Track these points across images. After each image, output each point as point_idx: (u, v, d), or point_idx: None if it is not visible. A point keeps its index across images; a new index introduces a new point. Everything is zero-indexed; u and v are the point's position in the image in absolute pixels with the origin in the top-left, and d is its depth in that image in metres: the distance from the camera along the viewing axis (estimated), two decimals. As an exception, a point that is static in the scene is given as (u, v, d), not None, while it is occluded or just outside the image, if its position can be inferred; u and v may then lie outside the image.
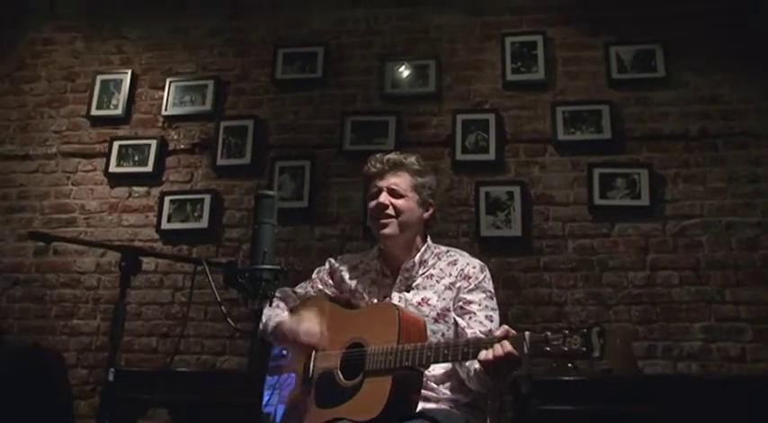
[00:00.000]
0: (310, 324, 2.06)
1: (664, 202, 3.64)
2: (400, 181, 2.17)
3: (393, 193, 2.16)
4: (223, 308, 1.69)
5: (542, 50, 3.98)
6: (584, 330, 1.57)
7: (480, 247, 3.71)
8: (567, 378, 2.60)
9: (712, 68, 3.81)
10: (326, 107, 4.15)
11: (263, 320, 2.19)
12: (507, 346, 1.70)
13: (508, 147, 3.89)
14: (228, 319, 1.67)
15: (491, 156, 3.85)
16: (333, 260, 2.37)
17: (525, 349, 1.66)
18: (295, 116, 4.17)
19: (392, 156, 2.22)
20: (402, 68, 4.12)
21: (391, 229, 2.14)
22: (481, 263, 2.19)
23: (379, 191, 2.17)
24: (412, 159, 2.22)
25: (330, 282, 2.31)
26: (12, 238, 4.16)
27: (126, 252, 1.90)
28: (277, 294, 2.34)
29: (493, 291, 2.15)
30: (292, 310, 2.26)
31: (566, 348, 1.57)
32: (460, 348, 1.78)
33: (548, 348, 1.61)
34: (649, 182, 3.63)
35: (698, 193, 3.63)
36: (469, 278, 2.11)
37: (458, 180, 3.88)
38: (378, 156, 2.24)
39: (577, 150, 3.79)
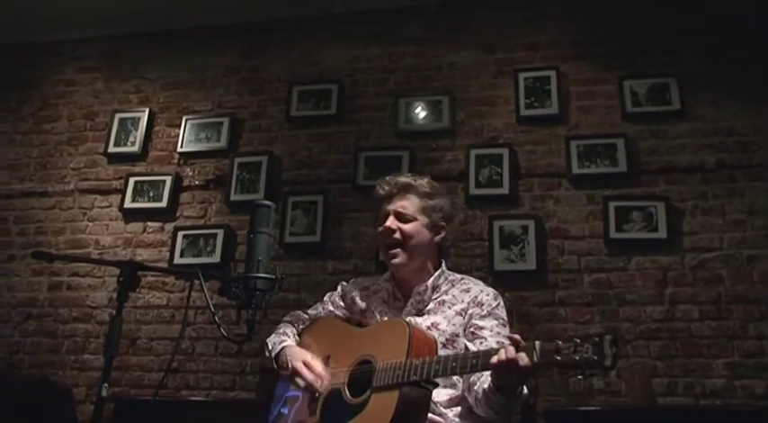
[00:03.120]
0: (309, 360, 2.01)
1: (682, 235, 3.56)
2: (408, 204, 2.14)
3: (401, 216, 2.13)
4: (216, 317, 1.66)
5: (555, 85, 3.98)
6: (597, 339, 1.50)
7: (494, 282, 3.62)
8: (584, 408, 2.50)
9: (728, 100, 3.77)
10: (340, 143, 4.17)
11: (269, 347, 2.16)
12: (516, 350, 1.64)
13: (522, 181, 3.86)
14: (221, 329, 1.64)
15: (505, 190, 3.82)
16: (345, 283, 2.36)
17: (535, 358, 1.60)
18: (309, 152, 4.19)
19: (401, 178, 2.20)
20: (418, 110, 4.13)
21: (400, 258, 2.11)
22: (495, 291, 2.15)
23: (387, 214, 2.15)
24: (422, 181, 2.19)
25: (341, 304, 2.29)
26: (27, 273, 4.19)
27: (124, 267, 1.89)
28: (286, 319, 2.32)
29: (506, 319, 2.10)
30: (302, 333, 2.23)
31: (576, 357, 1.51)
32: (469, 360, 1.73)
33: (558, 357, 1.54)
34: (666, 214, 3.56)
35: (717, 225, 3.55)
36: (482, 305, 2.07)
37: (471, 214, 3.84)
38: (387, 178, 2.22)
39: (592, 184, 3.75)
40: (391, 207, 2.15)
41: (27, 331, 4.04)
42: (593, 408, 2.47)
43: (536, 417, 2.76)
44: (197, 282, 1.94)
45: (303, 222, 3.99)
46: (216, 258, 3.96)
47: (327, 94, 4.26)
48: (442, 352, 1.95)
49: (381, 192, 2.19)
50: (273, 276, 1.59)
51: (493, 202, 3.83)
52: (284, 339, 2.17)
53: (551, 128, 3.93)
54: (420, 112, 4.12)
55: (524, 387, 1.80)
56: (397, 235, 2.11)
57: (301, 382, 1.99)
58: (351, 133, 4.18)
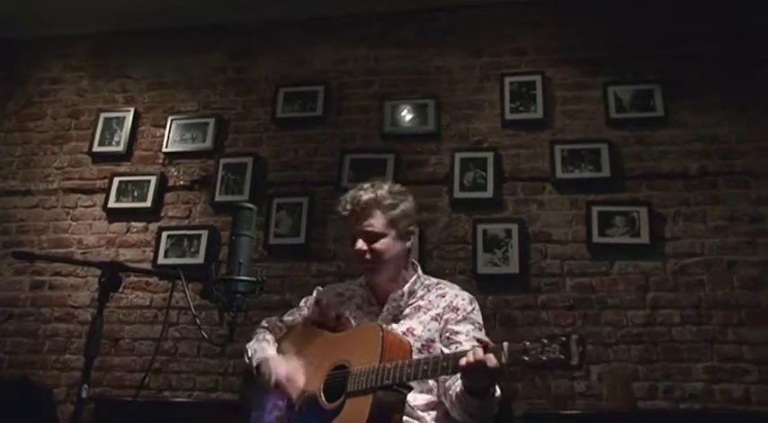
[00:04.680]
0: (292, 373, 2.02)
1: (664, 241, 3.58)
2: (374, 221, 2.09)
3: (368, 236, 2.09)
4: (198, 319, 1.66)
5: (541, 90, 4.00)
6: (564, 338, 1.52)
7: (478, 285, 3.66)
8: (566, 412, 2.51)
9: (711, 108, 3.80)
10: (326, 145, 4.17)
11: (249, 353, 2.16)
12: (484, 351, 1.64)
13: (506, 185, 3.87)
14: (202, 331, 1.64)
15: (489, 193, 3.83)
16: (320, 288, 2.35)
17: (504, 359, 1.61)
18: (295, 154, 4.19)
19: (362, 195, 2.11)
20: (404, 113, 4.14)
21: (376, 274, 2.12)
22: (470, 295, 2.14)
23: (355, 236, 2.10)
24: (383, 192, 2.12)
25: (316, 309, 2.27)
26: (9, 272, 4.16)
27: (105, 267, 1.89)
28: (263, 324, 2.32)
29: (481, 323, 2.09)
30: (279, 340, 2.23)
31: (544, 357, 1.53)
32: (440, 363, 1.73)
33: (526, 358, 1.56)
34: (649, 220, 3.59)
35: (698, 231, 3.58)
36: (458, 310, 2.06)
37: (455, 218, 3.85)
38: (348, 196, 2.14)
39: (576, 188, 3.77)
40: (358, 227, 2.10)
41: (8, 331, 4.01)
42: (573, 412, 2.47)
43: (513, 420, 2.77)
44: (179, 282, 1.93)
45: (288, 224, 3.99)
46: (200, 259, 3.95)
47: (313, 95, 4.26)
48: (417, 357, 1.94)
49: (344, 212, 2.13)
50: (255, 279, 1.58)
51: (477, 205, 3.84)
52: (265, 347, 2.16)
53: (536, 132, 3.95)
54: (406, 115, 4.13)
55: (497, 389, 1.81)
56: (368, 255, 2.10)
57: (284, 394, 2.00)
58: (336, 135, 4.18)
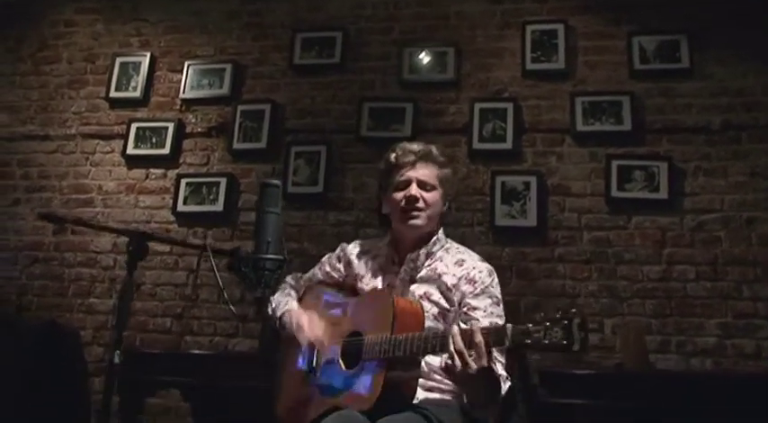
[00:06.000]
0: (310, 325, 2.05)
1: (683, 196, 3.58)
2: (429, 173, 2.12)
3: (423, 185, 2.11)
4: (225, 294, 1.69)
5: (563, 39, 3.92)
6: (565, 322, 1.52)
7: (494, 237, 3.69)
8: (577, 371, 2.57)
9: (738, 59, 3.72)
10: (344, 93, 4.13)
11: (273, 305, 2.20)
12: (478, 335, 1.67)
13: (526, 136, 3.85)
14: (231, 306, 1.68)
15: (508, 145, 3.81)
16: (345, 244, 2.34)
17: (507, 342, 1.63)
18: (312, 101, 4.16)
19: (420, 146, 2.16)
20: (422, 55, 4.08)
21: (420, 220, 2.10)
22: (489, 267, 2.12)
23: (409, 182, 2.11)
24: (437, 151, 2.18)
25: (338, 266, 2.28)
26: (32, 217, 4.21)
27: (133, 237, 1.92)
28: (288, 280, 2.35)
29: (500, 297, 2.08)
30: (300, 299, 2.27)
31: (546, 341, 1.54)
32: (448, 338, 1.76)
33: (528, 341, 1.58)
34: (669, 175, 3.57)
35: (718, 187, 3.56)
36: (475, 282, 2.05)
37: (474, 169, 3.85)
38: (404, 145, 2.18)
39: (596, 141, 3.74)
40: (414, 174, 2.12)
41: (34, 274, 4.10)
42: (588, 372, 2.54)
43: (530, 374, 2.83)
44: (206, 247, 1.96)
45: (306, 172, 4.00)
46: (219, 207, 3.99)
47: (331, 41, 4.20)
48: (431, 323, 1.98)
49: (403, 158, 2.14)
50: (282, 258, 1.60)
51: (496, 156, 3.83)
52: (289, 300, 2.20)
53: (557, 83, 3.89)
54: (425, 63, 4.07)
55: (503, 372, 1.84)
56: (421, 204, 2.11)
57: (304, 339, 2.04)
58: (354, 83, 4.14)
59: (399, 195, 2.13)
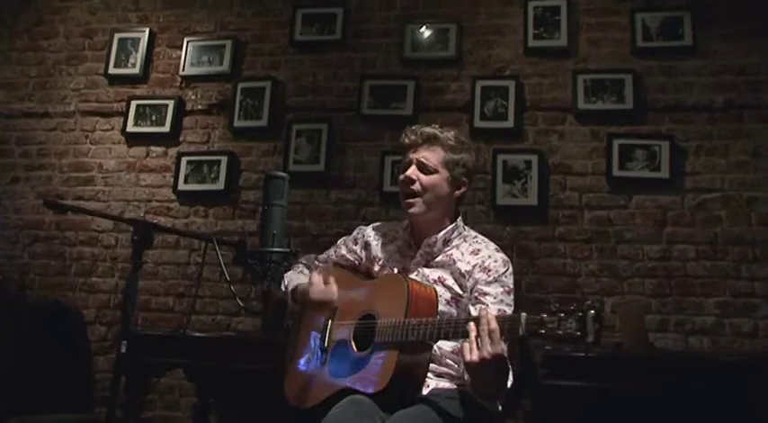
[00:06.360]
0: (325, 285, 2.04)
1: (684, 175, 3.58)
2: (431, 155, 2.10)
3: (423, 167, 2.10)
4: (232, 287, 1.70)
5: (566, 16, 3.88)
6: (580, 314, 1.54)
7: (496, 216, 3.70)
8: (577, 354, 2.59)
9: (742, 37, 3.70)
10: (345, 70, 4.10)
11: (285, 282, 2.20)
12: (494, 323, 1.68)
13: (527, 114, 3.84)
14: (238, 299, 1.69)
15: (509, 123, 3.80)
16: (363, 227, 2.33)
17: (521, 331, 1.65)
18: (313, 78, 4.13)
19: (428, 129, 2.14)
20: (423, 29, 4.04)
21: (417, 208, 2.10)
22: (505, 257, 2.11)
23: (409, 164, 2.12)
24: (449, 134, 2.14)
25: (354, 248, 2.28)
26: (32, 195, 4.21)
27: (138, 226, 1.92)
28: (302, 260, 2.36)
29: (512, 287, 2.08)
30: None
31: (560, 332, 1.56)
32: (461, 326, 1.78)
33: (542, 331, 1.59)
34: (670, 154, 3.57)
35: (719, 166, 3.57)
36: (489, 271, 2.05)
37: (475, 147, 3.82)
38: (414, 127, 2.17)
39: (598, 120, 3.73)
40: (414, 156, 2.12)
41: (35, 253, 4.11)
42: (590, 354, 2.56)
43: (531, 352, 2.86)
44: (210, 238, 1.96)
45: (307, 150, 3.99)
46: (220, 185, 3.99)
47: (332, 18, 4.16)
48: (444, 308, 2.01)
49: (407, 140, 2.15)
50: (288, 250, 1.61)
51: (497, 135, 3.82)
52: (301, 277, 2.20)
53: (559, 60, 3.87)
54: (426, 40, 4.04)
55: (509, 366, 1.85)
56: (416, 185, 2.10)
57: (316, 296, 2.01)
58: (356, 60, 4.11)
59: (401, 177, 2.14)
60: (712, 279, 3.43)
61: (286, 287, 2.18)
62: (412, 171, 2.11)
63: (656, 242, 3.52)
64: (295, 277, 2.20)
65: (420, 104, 3.93)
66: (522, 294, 3.53)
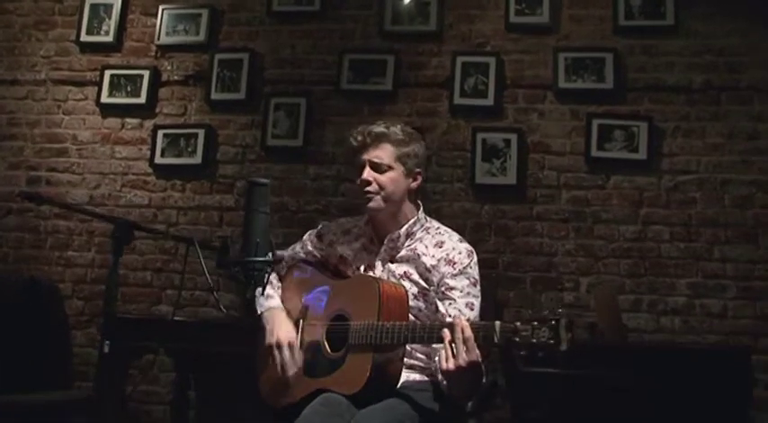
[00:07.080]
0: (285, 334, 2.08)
1: (661, 157, 3.62)
2: (383, 154, 2.13)
3: (376, 167, 2.13)
4: (215, 294, 1.71)
5: (548, -10, 3.84)
6: (553, 322, 1.60)
7: (474, 194, 3.72)
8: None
9: (724, 17, 3.69)
10: (325, 42, 4.03)
11: (258, 309, 2.21)
12: (468, 330, 1.73)
13: (507, 92, 3.82)
14: (221, 306, 1.69)
15: (489, 101, 3.79)
16: (326, 223, 2.39)
17: (496, 339, 1.70)
18: (292, 50, 4.06)
19: (374, 127, 2.16)
20: (406, 8, 3.96)
21: (375, 203, 2.13)
22: (468, 248, 2.16)
23: (363, 165, 2.15)
24: (395, 129, 2.17)
25: (319, 245, 2.33)
26: (3, 166, 4.12)
27: (119, 224, 1.91)
28: (272, 280, 2.36)
29: (477, 278, 2.13)
30: (282, 280, 2.29)
31: (534, 340, 1.62)
32: (435, 331, 1.82)
33: (516, 338, 1.65)
34: (648, 135, 3.60)
35: (696, 148, 3.61)
36: (454, 264, 2.10)
37: (454, 124, 3.83)
38: (360, 128, 2.19)
39: (577, 99, 3.73)
40: (366, 157, 2.14)
41: (8, 226, 4.04)
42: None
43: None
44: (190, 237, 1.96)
45: (285, 125, 3.95)
46: (197, 159, 3.95)
47: (311, -13, 4.07)
48: (412, 302, 2.07)
49: (355, 143, 2.17)
50: (272, 259, 1.61)
51: (477, 112, 3.81)
52: (271, 293, 2.22)
53: (541, 37, 3.84)
54: (407, 12, 3.97)
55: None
56: (374, 186, 2.13)
57: (276, 359, 2.06)
58: (335, 32, 4.04)
59: (357, 179, 2.17)
60: (685, 260, 3.50)
61: (258, 300, 2.20)
62: (367, 173, 2.14)
63: (631, 223, 3.58)
64: (266, 293, 2.20)
65: (400, 79, 3.90)
66: (500, 272, 3.59)
